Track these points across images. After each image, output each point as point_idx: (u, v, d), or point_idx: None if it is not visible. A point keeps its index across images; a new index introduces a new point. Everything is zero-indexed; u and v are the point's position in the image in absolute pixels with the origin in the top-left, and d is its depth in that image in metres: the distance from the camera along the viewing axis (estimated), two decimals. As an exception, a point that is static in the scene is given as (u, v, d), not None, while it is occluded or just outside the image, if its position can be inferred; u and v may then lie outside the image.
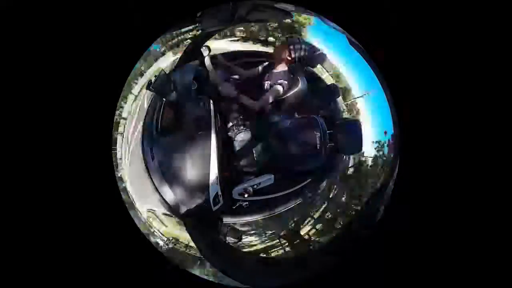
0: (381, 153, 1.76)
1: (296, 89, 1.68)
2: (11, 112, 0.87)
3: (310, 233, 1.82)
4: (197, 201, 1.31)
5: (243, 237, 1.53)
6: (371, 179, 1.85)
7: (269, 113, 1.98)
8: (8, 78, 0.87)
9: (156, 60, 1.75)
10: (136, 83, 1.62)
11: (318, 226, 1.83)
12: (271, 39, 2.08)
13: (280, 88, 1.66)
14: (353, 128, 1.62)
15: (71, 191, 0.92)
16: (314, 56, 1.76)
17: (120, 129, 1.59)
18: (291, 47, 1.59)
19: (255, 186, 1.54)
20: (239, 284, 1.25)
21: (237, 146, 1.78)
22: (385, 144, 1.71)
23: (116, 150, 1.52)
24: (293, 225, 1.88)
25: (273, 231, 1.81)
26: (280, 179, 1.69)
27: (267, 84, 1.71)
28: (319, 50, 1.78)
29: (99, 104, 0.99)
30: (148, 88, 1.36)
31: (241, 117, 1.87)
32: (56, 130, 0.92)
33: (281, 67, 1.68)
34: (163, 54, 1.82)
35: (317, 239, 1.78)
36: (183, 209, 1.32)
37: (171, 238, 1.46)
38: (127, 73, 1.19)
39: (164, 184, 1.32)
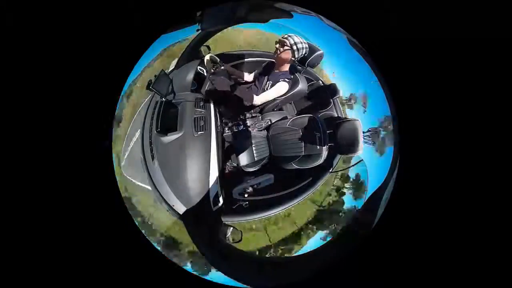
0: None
1: (296, 89, 1.67)
2: (11, 111, 0.87)
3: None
4: (197, 201, 1.31)
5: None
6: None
7: (269, 112, 1.99)
8: (8, 78, 0.87)
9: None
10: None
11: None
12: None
13: (285, 84, 1.61)
14: (352, 128, 1.62)
15: (70, 190, 0.92)
16: (314, 56, 1.75)
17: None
18: (292, 47, 1.58)
19: (255, 186, 1.54)
20: (239, 284, 1.25)
21: (237, 146, 1.78)
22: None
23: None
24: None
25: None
26: (280, 179, 1.69)
27: (268, 84, 1.70)
28: (319, 50, 1.78)
29: (99, 104, 0.99)
30: (148, 87, 1.35)
31: (241, 117, 1.87)
32: (57, 130, 0.92)
33: (282, 67, 1.68)
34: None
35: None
36: (183, 209, 1.31)
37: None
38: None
39: (164, 184, 1.32)
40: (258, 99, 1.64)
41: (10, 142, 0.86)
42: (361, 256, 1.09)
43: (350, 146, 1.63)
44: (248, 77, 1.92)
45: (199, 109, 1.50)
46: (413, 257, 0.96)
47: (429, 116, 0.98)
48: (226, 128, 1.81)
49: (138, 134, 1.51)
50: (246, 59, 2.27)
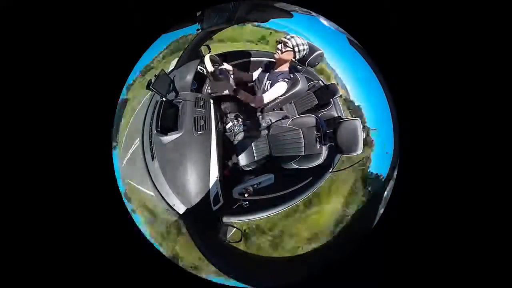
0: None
1: (296, 89, 1.68)
2: (11, 111, 0.87)
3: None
4: (197, 201, 1.31)
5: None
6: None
7: (269, 112, 1.99)
8: (9, 78, 0.87)
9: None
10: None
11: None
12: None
13: (284, 84, 1.62)
14: (352, 128, 1.62)
15: (71, 190, 0.92)
16: (314, 56, 1.75)
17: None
18: (294, 48, 1.58)
19: (255, 186, 1.54)
20: (239, 284, 1.25)
21: (237, 146, 1.79)
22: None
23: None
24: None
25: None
26: (280, 179, 1.70)
27: (268, 84, 1.70)
28: (319, 49, 1.78)
29: (99, 103, 0.99)
30: (148, 87, 1.35)
31: (242, 117, 1.87)
32: (57, 130, 0.92)
33: (282, 67, 1.68)
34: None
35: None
36: (183, 209, 1.32)
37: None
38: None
39: (164, 183, 1.32)
40: (263, 100, 1.63)
41: (10, 141, 0.86)
42: (361, 256, 1.09)
43: (350, 145, 1.63)
44: (249, 77, 1.92)
45: (199, 109, 1.50)
46: (412, 256, 0.96)
47: (429, 115, 0.98)
48: (226, 128, 1.82)
49: (138, 134, 1.51)
50: (246, 59, 2.28)
